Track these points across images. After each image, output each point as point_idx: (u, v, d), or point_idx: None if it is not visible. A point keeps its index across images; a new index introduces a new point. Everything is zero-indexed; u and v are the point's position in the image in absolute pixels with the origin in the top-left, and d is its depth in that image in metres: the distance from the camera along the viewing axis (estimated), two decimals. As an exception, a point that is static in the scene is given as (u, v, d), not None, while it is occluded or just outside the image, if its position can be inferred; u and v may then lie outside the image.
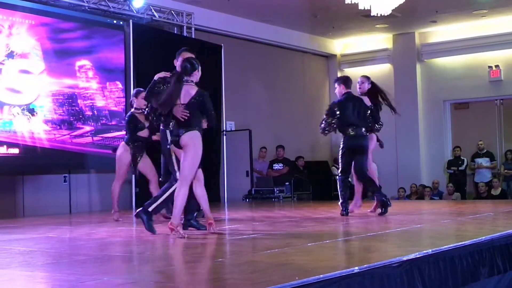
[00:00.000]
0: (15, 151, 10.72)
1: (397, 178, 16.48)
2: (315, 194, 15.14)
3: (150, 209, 6.85)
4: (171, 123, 6.83)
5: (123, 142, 9.14)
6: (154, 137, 8.69)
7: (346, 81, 9.23)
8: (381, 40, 17.77)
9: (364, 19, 15.15)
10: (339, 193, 9.07)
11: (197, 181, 6.77)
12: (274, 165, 15.38)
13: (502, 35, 16.06)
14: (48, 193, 11.49)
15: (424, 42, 17.26)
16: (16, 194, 11.17)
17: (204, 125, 6.92)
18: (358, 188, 9.40)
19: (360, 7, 10.62)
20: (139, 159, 8.92)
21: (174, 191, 6.77)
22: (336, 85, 9.27)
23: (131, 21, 12.42)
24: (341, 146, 9.11)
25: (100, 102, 12.05)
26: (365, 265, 4.27)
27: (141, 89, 8.79)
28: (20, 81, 10.91)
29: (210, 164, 13.38)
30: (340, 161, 9.16)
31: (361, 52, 18.02)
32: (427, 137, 17.18)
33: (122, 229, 7.98)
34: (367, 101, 9.25)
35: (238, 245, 6.28)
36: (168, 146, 6.88)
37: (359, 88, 9.44)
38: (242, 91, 15.42)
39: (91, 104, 11.92)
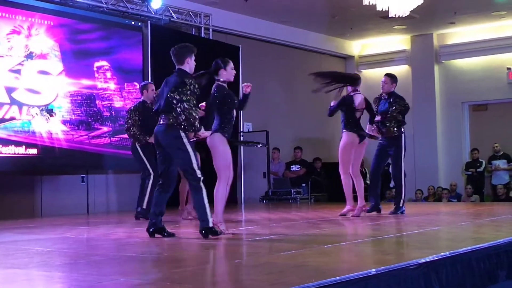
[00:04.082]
0: (34, 151, 10.79)
1: (414, 179, 16.40)
2: (332, 196, 15.09)
3: (210, 224, 6.57)
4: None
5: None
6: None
7: None
8: (399, 41, 17.72)
9: (382, 20, 15.12)
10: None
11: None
12: (291, 166, 15.38)
13: (521, 37, 15.99)
14: (66, 193, 11.56)
15: (442, 44, 17.18)
16: (34, 194, 11.24)
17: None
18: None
19: (378, 8, 10.61)
20: None
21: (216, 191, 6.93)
22: (390, 80, 9.49)
23: (149, 22, 12.47)
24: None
25: (118, 103, 12.10)
26: (382, 267, 4.26)
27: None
28: (39, 81, 10.98)
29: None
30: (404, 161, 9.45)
31: (379, 53, 17.98)
32: (445, 139, 17.09)
33: (139, 230, 7.99)
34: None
35: (255, 246, 6.28)
36: None
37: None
38: (259, 92, 15.36)
39: (109, 105, 11.97)
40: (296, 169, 15.29)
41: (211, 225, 6.51)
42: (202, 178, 6.52)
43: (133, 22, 12.59)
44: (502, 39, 16.16)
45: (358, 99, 9.10)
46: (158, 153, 6.80)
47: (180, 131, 6.52)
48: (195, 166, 6.53)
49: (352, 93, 9.18)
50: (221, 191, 6.91)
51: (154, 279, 4.46)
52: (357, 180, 9.20)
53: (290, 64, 16.61)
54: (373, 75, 17.77)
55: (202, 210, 6.50)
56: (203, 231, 6.52)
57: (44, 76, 11.08)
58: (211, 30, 13.96)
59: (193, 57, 6.87)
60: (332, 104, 9.31)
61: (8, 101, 10.54)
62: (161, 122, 6.64)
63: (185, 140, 6.54)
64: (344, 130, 9.18)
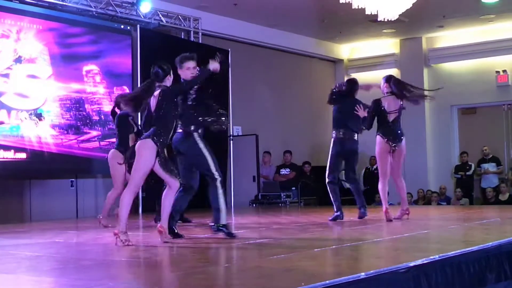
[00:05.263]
0: (23, 155, 10.75)
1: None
2: (322, 199, 15.10)
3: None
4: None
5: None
6: None
7: None
8: (388, 45, 17.76)
9: (371, 24, 15.14)
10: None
11: (168, 189, 6.64)
12: (281, 170, 15.38)
13: (509, 40, 16.04)
14: (55, 197, 11.50)
15: (431, 47, 17.24)
16: (23, 198, 11.19)
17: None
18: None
19: (367, 12, 10.61)
20: None
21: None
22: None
23: (138, 26, 12.45)
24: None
25: (107, 107, 12.05)
26: (371, 271, 4.26)
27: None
28: (27, 86, 10.94)
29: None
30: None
31: (368, 57, 18.01)
32: (434, 142, 17.14)
33: (128, 235, 7.97)
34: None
35: (244, 250, 6.27)
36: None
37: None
38: (249, 96, 15.41)
39: (98, 109, 11.94)
40: (286, 172, 15.28)
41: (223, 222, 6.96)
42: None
43: (122, 26, 12.57)
44: (491, 42, 16.23)
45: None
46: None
47: None
48: None
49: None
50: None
51: (143, 283, 4.45)
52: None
53: (280, 68, 16.62)
54: (362, 78, 17.78)
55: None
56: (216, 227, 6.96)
57: (33, 80, 11.04)
58: (200, 34, 13.95)
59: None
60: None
61: (-3, 105, 10.51)
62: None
63: None
64: None
